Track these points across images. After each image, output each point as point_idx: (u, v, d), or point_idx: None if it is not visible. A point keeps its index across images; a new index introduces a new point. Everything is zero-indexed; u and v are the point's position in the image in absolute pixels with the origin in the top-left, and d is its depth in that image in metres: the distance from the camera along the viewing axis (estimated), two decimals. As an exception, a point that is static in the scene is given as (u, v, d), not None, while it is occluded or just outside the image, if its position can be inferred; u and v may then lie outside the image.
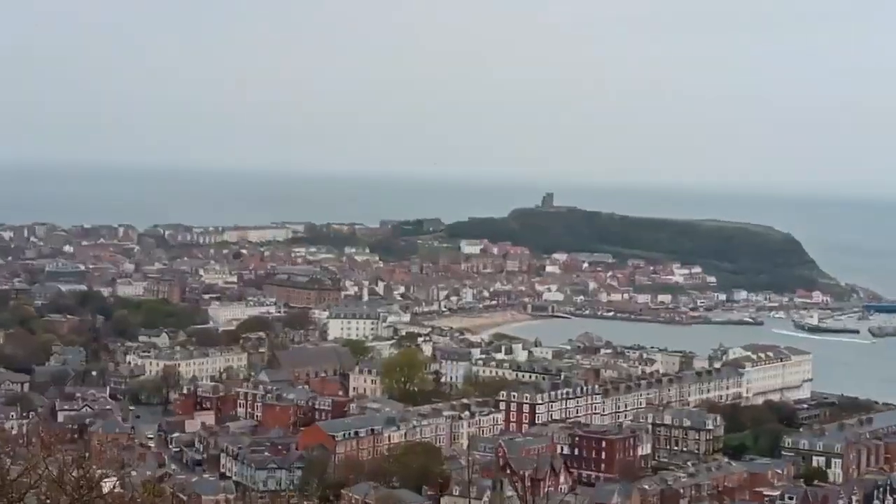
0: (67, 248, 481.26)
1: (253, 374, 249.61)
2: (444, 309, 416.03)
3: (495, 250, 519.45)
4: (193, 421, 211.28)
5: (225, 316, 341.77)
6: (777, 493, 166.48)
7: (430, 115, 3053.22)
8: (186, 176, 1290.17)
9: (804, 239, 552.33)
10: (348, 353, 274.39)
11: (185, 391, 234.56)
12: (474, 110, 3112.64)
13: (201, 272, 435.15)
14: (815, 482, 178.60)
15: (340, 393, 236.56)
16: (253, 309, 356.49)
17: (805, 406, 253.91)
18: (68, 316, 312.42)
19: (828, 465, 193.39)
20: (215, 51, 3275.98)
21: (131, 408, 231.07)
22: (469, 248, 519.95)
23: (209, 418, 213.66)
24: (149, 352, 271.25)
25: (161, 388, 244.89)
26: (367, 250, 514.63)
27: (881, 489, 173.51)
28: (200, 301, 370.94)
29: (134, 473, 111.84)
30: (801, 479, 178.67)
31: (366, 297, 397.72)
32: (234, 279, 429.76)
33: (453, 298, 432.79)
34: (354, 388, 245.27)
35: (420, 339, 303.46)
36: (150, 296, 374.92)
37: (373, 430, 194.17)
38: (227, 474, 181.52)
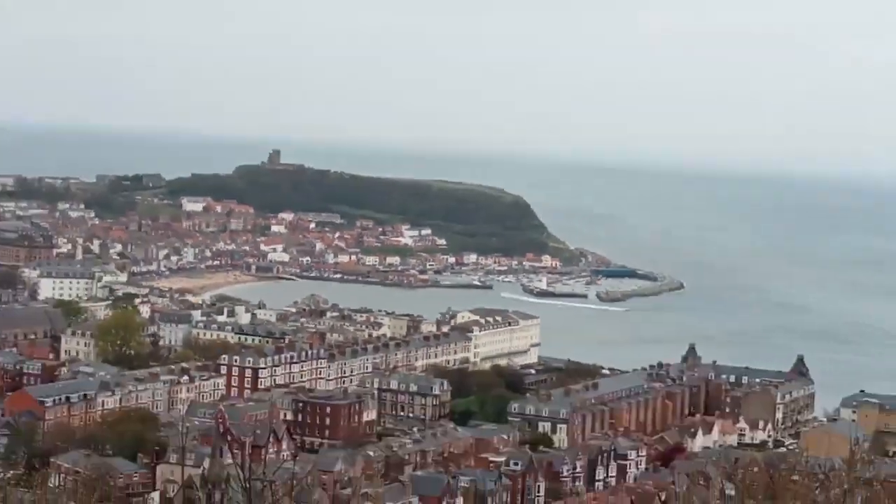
0: None
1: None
2: (163, 269, 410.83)
3: (219, 208, 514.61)
4: None
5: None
6: (503, 458, 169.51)
7: (146, 67, 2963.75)
8: None
9: (535, 202, 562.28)
10: (60, 315, 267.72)
11: None
12: (199, 65, 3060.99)
13: None
14: (541, 448, 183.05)
15: (51, 356, 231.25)
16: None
17: (532, 371, 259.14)
18: None
19: (553, 430, 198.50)
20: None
21: None
22: (191, 205, 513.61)
23: None
24: None
25: None
26: (83, 206, 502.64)
27: (605, 454, 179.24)
28: None
29: None
30: (527, 445, 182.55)
31: (80, 256, 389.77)
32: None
33: (174, 258, 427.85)
34: (66, 352, 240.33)
35: (137, 301, 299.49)
36: None
37: (85, 395, 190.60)
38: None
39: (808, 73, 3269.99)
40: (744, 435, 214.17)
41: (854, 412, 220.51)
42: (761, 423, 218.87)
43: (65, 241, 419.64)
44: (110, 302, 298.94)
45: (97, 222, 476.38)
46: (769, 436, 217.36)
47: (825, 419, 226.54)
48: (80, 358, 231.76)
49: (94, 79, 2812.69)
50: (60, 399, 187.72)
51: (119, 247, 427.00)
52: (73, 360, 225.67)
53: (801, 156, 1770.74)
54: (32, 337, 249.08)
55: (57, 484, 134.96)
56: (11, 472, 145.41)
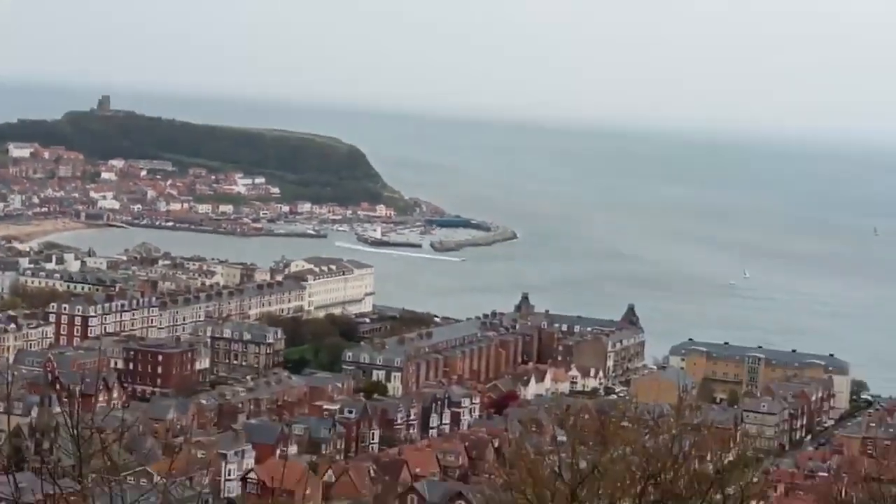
0: None
1: None
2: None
3: (47, 154, 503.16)
4: None
5: None
6: (337, 406, 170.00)
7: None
8: None
9: (369, 152, 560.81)
10: None
11: None
12: (26, 5, 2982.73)
13: None
14: (375, 395, 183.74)
15: None
16: None
17: (367, 320, 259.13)
18: None
19: (388, 378, 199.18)
20: None
21: None
22: (18, 151, 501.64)
23: None
24: None
25: None
26: None
27: (439, 402, 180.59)
28: None
29: None
30: (361, 393, 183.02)
31: None
32: None
33: (0, 205, 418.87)
34: None
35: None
36: None
37: None
38: None
39: (651, 26, 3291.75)
40: (576, 382, 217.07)
41: (682, 360, 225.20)
42: (593, 371, 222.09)
43: None
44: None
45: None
46: (600, 383, 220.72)
47: (654, 367, 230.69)
48: None
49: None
50: None
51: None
52: None
53: (640, 110, 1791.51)
54: None
55: None
56: None
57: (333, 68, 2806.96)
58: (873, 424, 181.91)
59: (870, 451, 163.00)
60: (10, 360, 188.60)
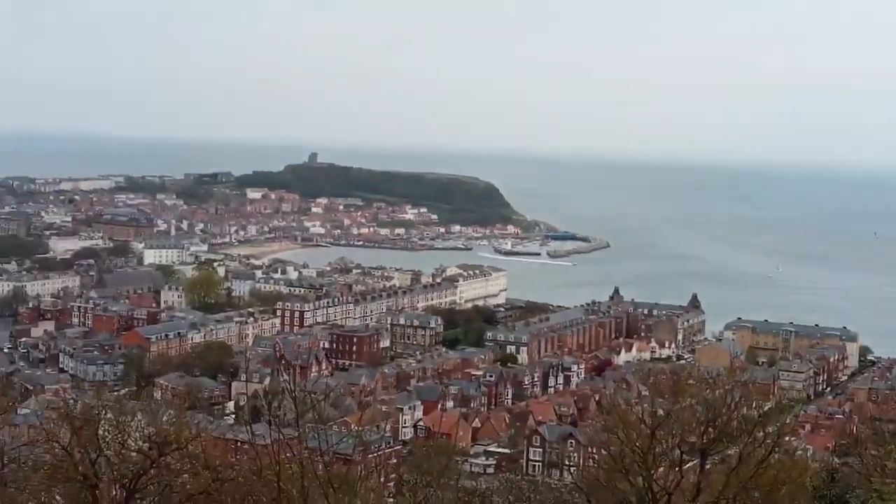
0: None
1: (85, 291, 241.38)
2: (234, 241, 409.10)
3: (273, 196, 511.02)
4: (38, 328, 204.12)
5: (63, 247, 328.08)
6: (481, 372, 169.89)
7: (212, 89, 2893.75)
8: (29, 136, 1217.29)
9: (501, 186, 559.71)
10: (160, 275, 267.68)
11: (31, 305, 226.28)
12: (249, 87, 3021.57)
13: (43, 214, 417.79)
14: (509, 364, 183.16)
15: (154, 305, 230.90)
16: (85, 242, 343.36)
17: (502, 309, 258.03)
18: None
19: (517, 351, 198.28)
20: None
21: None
22: (253, 194, 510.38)
23: (51, 326, 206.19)
24: (1, 275, 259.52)
25: (11, 304, 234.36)
26: (175, 196, 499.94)
27: (555, 368, 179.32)
28: (42, 236, 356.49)
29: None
30: (499, 362, 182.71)
31: (173, 233, 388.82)
32: (70, 219, 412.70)
33: (241, 232, 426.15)
34: (165, 302, 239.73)
35: (215, 264, 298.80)
36: (1, 233, 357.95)
37: (179, 333, 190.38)
38: (65, 369, 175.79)
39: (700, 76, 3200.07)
40: (655, 352, 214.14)
41: (733, 334, 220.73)
42: (667, 343, 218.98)
43: (162, 222, 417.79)
44: (196, 265, 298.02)
45: (185, 208, 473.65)
46: (673, 352, 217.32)
47: (713, 339, 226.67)
48: (174, 306, 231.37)
49: (185, 100, 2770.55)
50: (161, 336, 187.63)
51: (202, 225, 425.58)
52: (170, 308, 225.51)
53: (691, 148, 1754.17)
54: (140, 291, 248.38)
55: (159, 397, 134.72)
56: (126, 389, 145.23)
57: (472, 123, 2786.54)
58: (876, 379, 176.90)
59: (873, 399, 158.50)
60: (250, 343, 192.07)
